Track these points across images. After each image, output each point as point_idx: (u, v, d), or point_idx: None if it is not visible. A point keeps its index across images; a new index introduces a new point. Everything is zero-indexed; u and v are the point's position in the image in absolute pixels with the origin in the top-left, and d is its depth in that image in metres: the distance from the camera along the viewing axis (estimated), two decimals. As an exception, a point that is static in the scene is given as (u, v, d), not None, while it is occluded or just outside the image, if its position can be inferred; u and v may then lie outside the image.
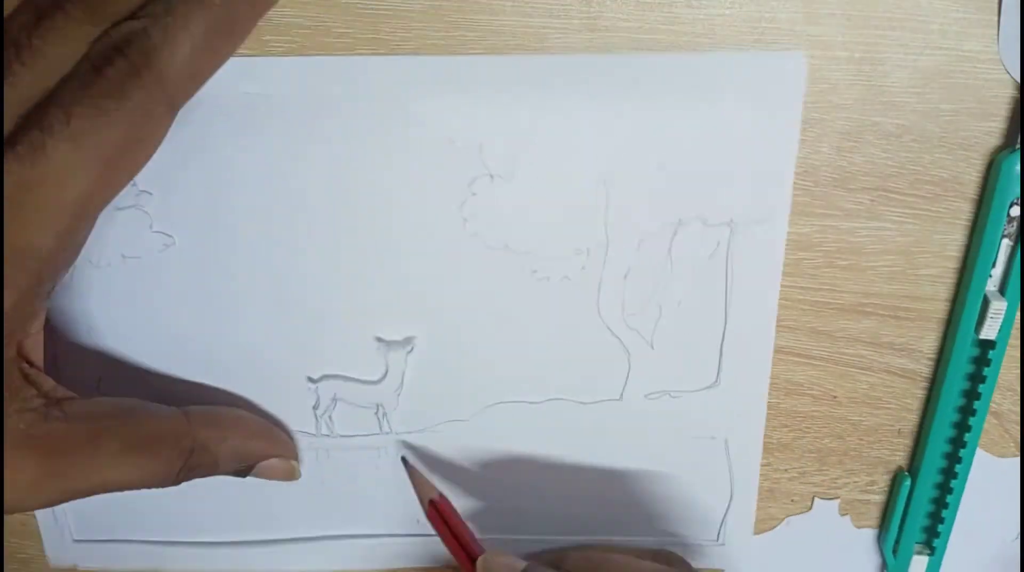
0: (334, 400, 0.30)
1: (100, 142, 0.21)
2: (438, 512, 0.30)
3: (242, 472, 0.29)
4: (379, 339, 0.29)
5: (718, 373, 0.30)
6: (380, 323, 0.29)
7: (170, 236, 0.28)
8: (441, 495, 0.30)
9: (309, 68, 0.26)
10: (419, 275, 0.28)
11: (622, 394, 0.30)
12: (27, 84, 0.21)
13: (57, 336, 0.29)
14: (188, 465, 0.27)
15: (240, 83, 0.26)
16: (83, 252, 0.27)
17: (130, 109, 0.21)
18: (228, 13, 0.22)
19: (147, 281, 0.29)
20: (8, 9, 0.22)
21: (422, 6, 0.26)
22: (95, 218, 0.23)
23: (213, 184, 0.27)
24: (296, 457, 0.31)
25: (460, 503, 0.32)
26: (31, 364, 0.25)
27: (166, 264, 0.28)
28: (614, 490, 0.32)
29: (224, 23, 0.22)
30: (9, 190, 0.21)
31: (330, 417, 0.31)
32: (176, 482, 0.27)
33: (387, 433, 0.31)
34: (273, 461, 0.29)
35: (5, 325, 0.23)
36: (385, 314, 0.29)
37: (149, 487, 0.26)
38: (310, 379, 0.30)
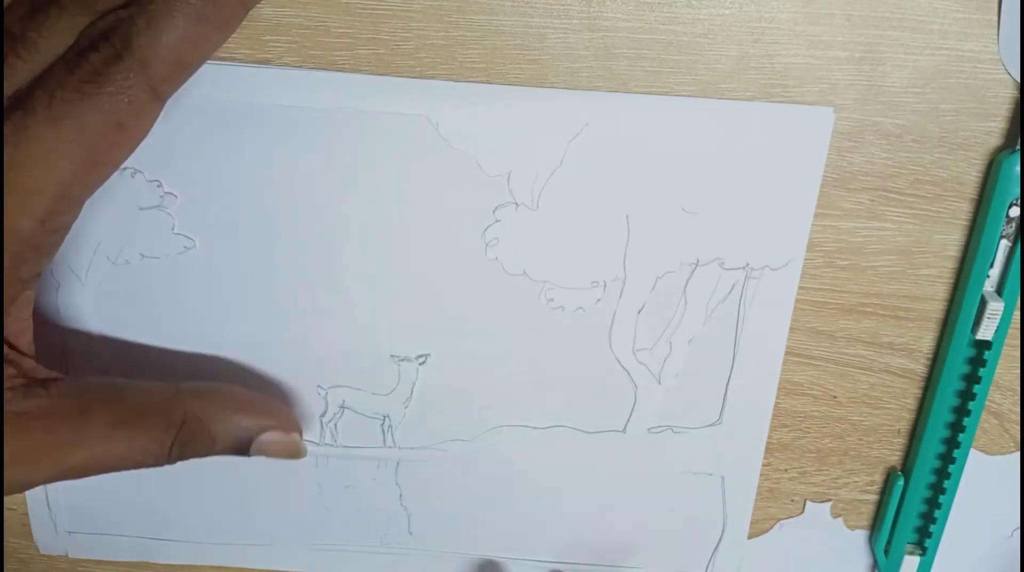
0: (342, 408, 0.30)
1: (81, 126, 0.21)
2: None
3: (243, 449, 0.27)
4: (393, 355, 0.30)
5: (721, 412, 0.30)
6: (395, 339, 0.29)
7: (191, 239, 0.28)
8: None
9: (344, 83, 0.26)
10: (437, 295, 0.29)
11: (626, 426, 0.31)
12: (23, 73, 0.21)
13: (66, 328, 0.29)
14: (180, 439, 0.26)
15: (277, 94, 0.26)
16: (100, 247, 0.27)
17: (111, 93, 0.21)
18: (214, 1, 0.22)
19: (163, 281, 0.29)
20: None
21: (422, 6, 0.26)
22: (79, 205, 0.23)
23: (239, 192, 0.27)
24: (299, 430, 0.29)
25: (457, 521, 0.32)
26: (14, 349, 0.25)
27: (184, 266, 0.28)
28: (608, 518, 0.32)
29: (210, 11, 0.22)
30: None
31: (335, 426, 0.31)
32: (171, 459, 0.26)
33: (390, 447, 0.31)
34: (273, 434, 0.28)
35: None
36: (400, 330, 0.29)
37: (143, 465, 0.26)
38: (320, 387, 0.30)
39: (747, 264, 0.28)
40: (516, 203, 0.28)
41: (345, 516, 0.32)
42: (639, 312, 0.29)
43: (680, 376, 0.30)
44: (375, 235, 0.28)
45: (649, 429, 0.31)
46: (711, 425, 0.31)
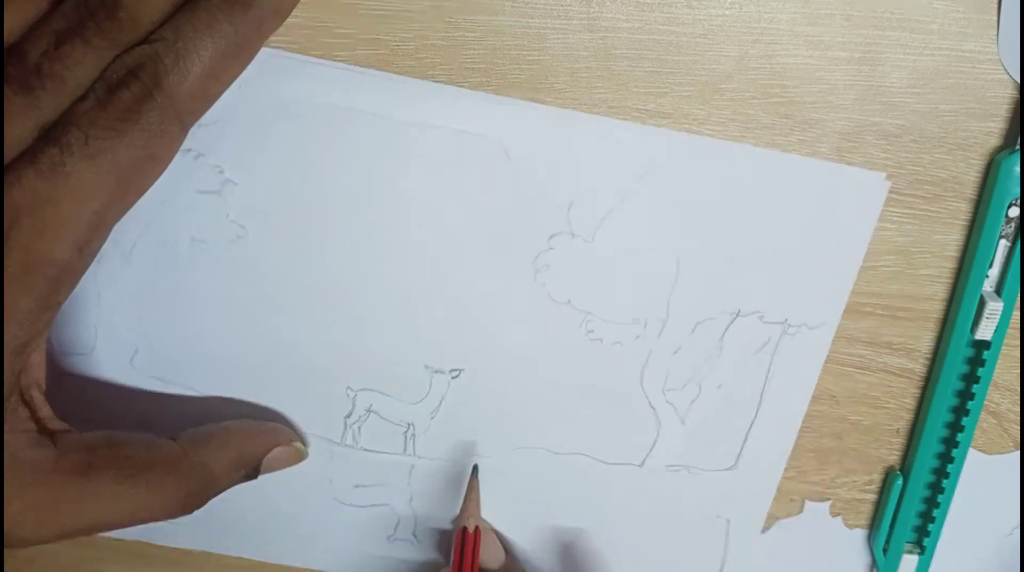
0: (368, 412, 0.31)
1: (116, 160, 0.22)
2: (463, 540, 0.30)
3: (250, 476, 0.29)
4: (427, 365, 0.30)
5: (738, 458, 0.31)
6: (431, 350, 0.30)
7: (244, 228, 0.28)
8: (477, 527, 0.31)
9: (425, 95, 0.26)
10: (480, 312, 0.29)
11: (644, 461, 0.31)
12: (49, 107, 0.22)
13: (102, 302, 0.29)
14: (194, 489, 0.27)
15: (357, 98, 0.26)
16: (151, 225, 0.27)
17: (144, 129, 0.22)
18: (236, 37, 0.23)
19: (209, 266, 0.28)
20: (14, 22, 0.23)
21: (422, 6, 0.26)
22: (110, 230, 0.24)
23: (299, 189, 0.28)
24: (299, 438, 0.30)
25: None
26: (36, 384, 0.25)
27: (233, 254, 0.28)
28: (612, 548, 0.33)
29: (232, 47, 0.23)
30: (31, 203, 0.22)
31: (359, 428, 0.31)
32: (188, 510, 0.27)
33: (410, 455, 0.31)
34: (276, 452, 0.29)
35: (22, 332, 0.23)
36: (438, 343, 0.30)
37: (157, 519, 0.26)
38: (349, 388, 0.30)
39: (785, 320, 0.29)
40: (572, 234, 0.28)
41: (354, 512, 0.32)
42: (674, 353, 0.29)
43: (704, 419, 0.30)
44: (427, 246, 0.28)
45: (666, 466, 0.31)
46: (726, 469, 0.31)
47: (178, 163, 0.24)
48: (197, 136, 0.27)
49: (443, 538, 0.33)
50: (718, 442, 0.31)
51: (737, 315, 0.29)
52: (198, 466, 0.27)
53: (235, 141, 0.27)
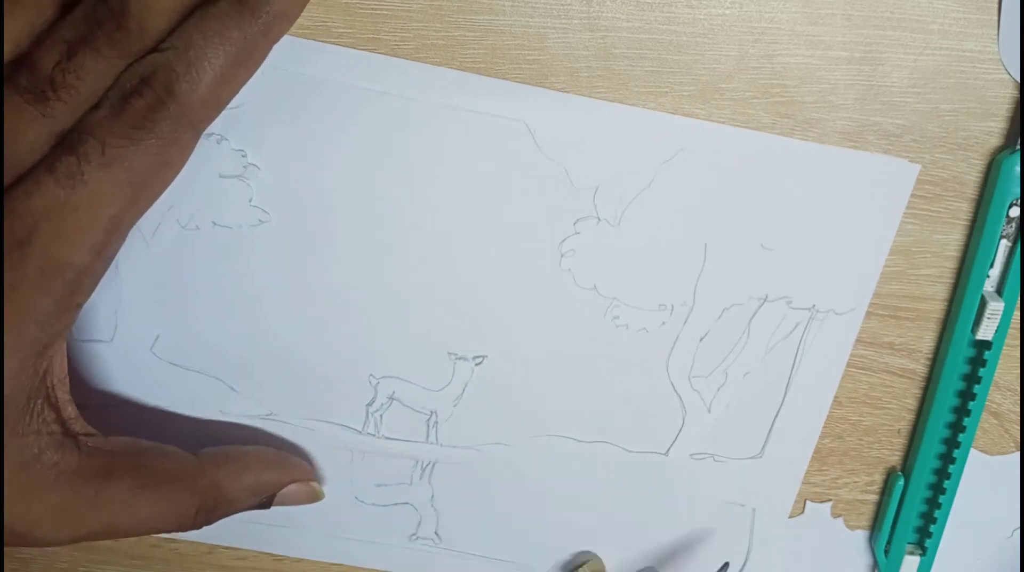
0: (391, 399, 0.30)
1: (131, 167, 0.23)
2: None
3: (264, 504, 0.29)
4: (450, 352, 0.30)
5: (764, 446, 0.31)
6: (454, 337, 0.29)
7: (267, 213, 0.28)
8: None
9: (450, 80, 0.26)
10: (504, 298, 0.29)
11: (669, 450, 0.31)
12: (63, 116, 0.23)
13: (123, 288, 0.29)
14: (205, 507, 0.27)
15: (382, 82, 0.26)
16: (173, 210, 0.28)
17: (158, 137, 0.23)
18: (245, 43, 0.23)
19: (231, 251, 0.28)
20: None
21: (422, 6, 0.26)
22: (126, 233, 0.24)
23: (323, 174, 0.27)
24: (316, 478, 0.31)
25: (486, 525, 0.32)
26: (63, 384, 0.25)
27: (255, 239, 0.28)
28: (636, 537, 0.32)
29: (242, 53, 0.23)
30: (50, 210, 0.22)
31: (381, 417, 0.31)
32: (196, 525, 0.27)
33: (432, 443, 0.31)
34: (292, 487, 0.30)
35: (43, 334, 0.24)
36: (461, 329, 0.29)
37: (166, 531, 0.27)
38: (372, 375, 0.30)
39: (813, 305, 0.29)
40: (598, 218, 0.28)
41: (375, 511, 0.32)
42: (701, 340, 0.29)
43: (730, 407, 0.30)
44: (451, 232, 0.28)
45: (691, 455, 0.31)
46: (752, 457, 0.31)
47: (200, 146, 0.24)
48: (219, 119, 0.26)
49: (465, 535, 0.32)
50: (744, 430, 0.31)
51: (765, 301, 0.29)
52: (214, 486, 0.27)
53: (258, 125, 0.27)
